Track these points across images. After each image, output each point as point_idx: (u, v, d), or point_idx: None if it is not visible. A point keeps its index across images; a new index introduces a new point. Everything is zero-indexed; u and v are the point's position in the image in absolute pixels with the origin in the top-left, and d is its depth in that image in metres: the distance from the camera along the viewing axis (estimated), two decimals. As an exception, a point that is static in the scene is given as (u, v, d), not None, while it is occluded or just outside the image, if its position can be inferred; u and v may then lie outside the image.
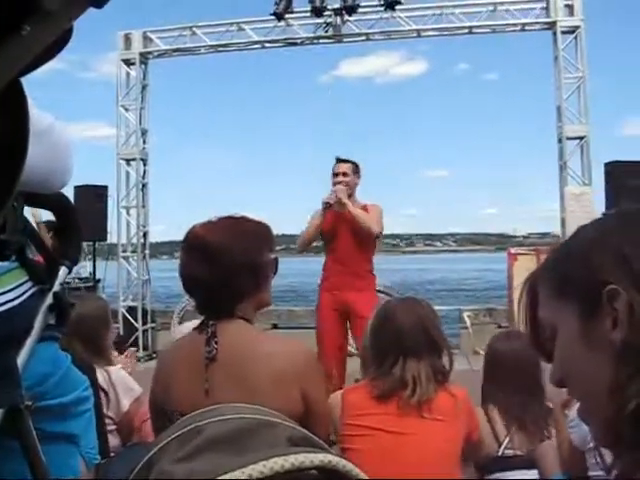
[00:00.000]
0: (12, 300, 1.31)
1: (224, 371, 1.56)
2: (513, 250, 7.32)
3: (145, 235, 8.32)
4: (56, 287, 1.40)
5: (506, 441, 2.22)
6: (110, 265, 8.70)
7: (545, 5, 7.31)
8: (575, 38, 7.19)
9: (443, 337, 2.04)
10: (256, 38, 7.93)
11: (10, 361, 1.24)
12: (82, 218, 1.66)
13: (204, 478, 0.44)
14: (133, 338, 7.69)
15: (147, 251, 8.40)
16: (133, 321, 7.90)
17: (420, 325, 1.97)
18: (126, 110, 8.16)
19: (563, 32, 7.24)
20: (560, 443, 1.98)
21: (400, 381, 1.90)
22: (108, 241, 8.57)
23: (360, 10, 7.35)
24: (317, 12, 7.29)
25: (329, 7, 7.31)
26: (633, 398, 0.59)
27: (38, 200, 1.42)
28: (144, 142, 8.31)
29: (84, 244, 7.02)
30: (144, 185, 8.25)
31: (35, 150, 0.65)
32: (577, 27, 7.18)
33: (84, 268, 8.41)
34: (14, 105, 0.54)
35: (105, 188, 8.13)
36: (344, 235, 4.39)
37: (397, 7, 7.27)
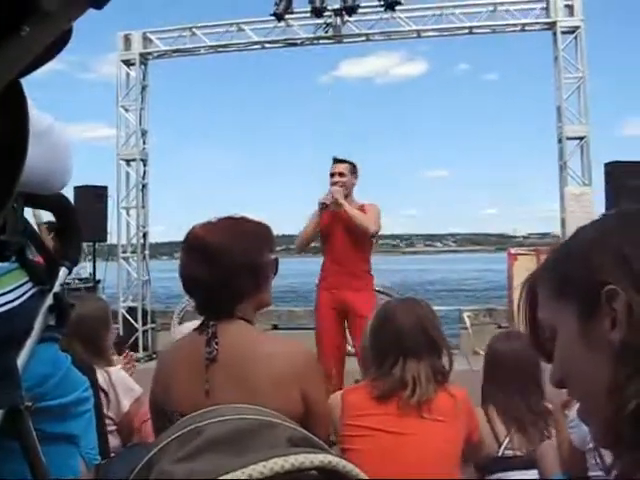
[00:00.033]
0: (12, 301, 1.31)
1: (224, 372, 1.56)
2: (513, 250, 7.32)
3: (145, 236, 8.32)
4: (56, 288, 1.41)
5: (506, 441, 2.22)
6: (110, 266, 8.70)
7: (545, 5, 7.31)
8: (575, 38, 7.19)
9: (443, 337, 2.04)
10: (256, 39, 7.92)
11: (10, 362, 1.24)
12: (82, 219, 1.66)
13: (204, 478, 0.44)
14: (133, 339, 7.69)
15: (147, 252, 8.40)
16: (133, 322, 7.90)
17: (420, 325, 1.97)
18: (126, 111, 8.16)
19: (563, 32, 7.24)
20: (560, 443, 1.98)
21: (400, 381, 1.90)
22: (108, 242, 8.57)
23: (360, 10, 7.35)
24: (317, 12, 7.29)
25: (329, 7, 7.31)
26: (632, 398, 0.59)
27: (38, 201, 1.42)
28: (144, 143, 8.30)
29: (84, 245, 7.02)
30: (144, 186, 8.24)
31: (35, 151, 0.65)
32: (577, 27, 7.18)
33: (84, 269, 8.41)
34: (14, 106, 0.54)
35: (105, 189, 8.13)
36: (341, 235, 4.41)
37: (397, 7, 7.27)
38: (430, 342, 1.97)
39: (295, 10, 7.46)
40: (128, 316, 7.91)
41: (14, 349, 1.27)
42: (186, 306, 7.61)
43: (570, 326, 0.68)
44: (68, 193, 1.62)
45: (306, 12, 7.40)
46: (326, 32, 7.67)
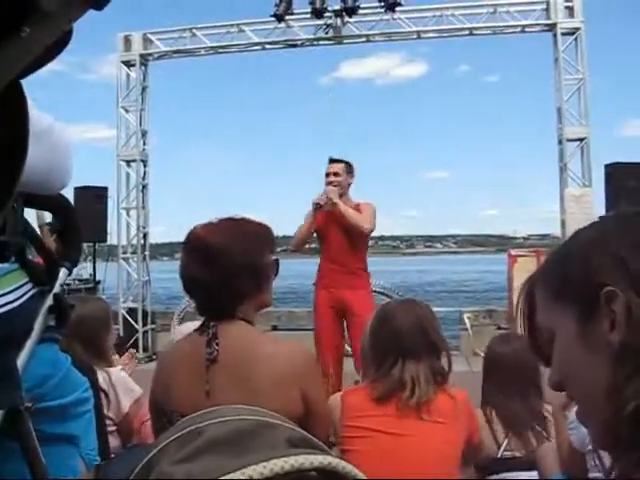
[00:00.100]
0: (12, 302, 1.31)
1: (225, 372, 1.56)
2: (513, 252, 7.32)
3: (145, 236, 8.33)
4: (56, 288, 1.41)
5: (505, 443, 2.22)
6: (110, 266, 8.71)
7: (545, 7, 7.31)
8: (575, 40, 7.20)
9: (442, 339, 2.04)
10: (256, 39, 7.93)
11: (10, 362, 1.24)
12: (82, 219, 1.66)
13: (204, 479, 0.44)
14: (133, 339, 7.69)
15: (147, 252, 8.40)
16: (133, 322, 7.90)
17: (419, 327, 1.97)
18: (126, 111, 8.17)
19: (563, 34, 7.25)
20: (560, 445, 1.98)
21: (399, 382, 1.90)
22: (108, 242, 8.58)
23: (360, 11, 7.36)
24: (317, 13, 7.30)
25: (329, 8, 7.32)
26: (631, 399, 0.59)
27: (38, 201, 1.43)
28: (144, 143, 8.31)
29: (84, 245, 7.02)
30: (144, 186, 8.25)
31: (35, 151, 0.65)
32: (577, 29, 7.19)
33: (84, 269, 8.41)
34: (14, 106, 0.54)
35: (105, 189, 8.14)
36: (336, 234, 4.44)
37: (397, 8, 7.28)
38: (429, 343, 1.97)
39: (295, 11, 7.47)
40: (128, 317, 7.91)
41: (14, 350, 1.27)
42: (186, 307, 7.61)
43: (569, 328, 0.68)
44: (68, 194, 1.62)
45: (306, 13, 7.41)
46: (326, 33, 7.68)
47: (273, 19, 7.46)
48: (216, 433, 0.49)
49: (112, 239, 8.39)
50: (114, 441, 2.39)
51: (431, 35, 7.85)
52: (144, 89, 8.29)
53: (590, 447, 1.75)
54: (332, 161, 4.55)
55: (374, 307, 4.38)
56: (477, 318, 7.78)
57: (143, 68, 8.24)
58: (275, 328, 8.13)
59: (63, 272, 1.45)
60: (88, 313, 2.41)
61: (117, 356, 2.92)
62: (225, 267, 1.58)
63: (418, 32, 7.68)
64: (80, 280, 8.15)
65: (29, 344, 1.29)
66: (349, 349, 4.82)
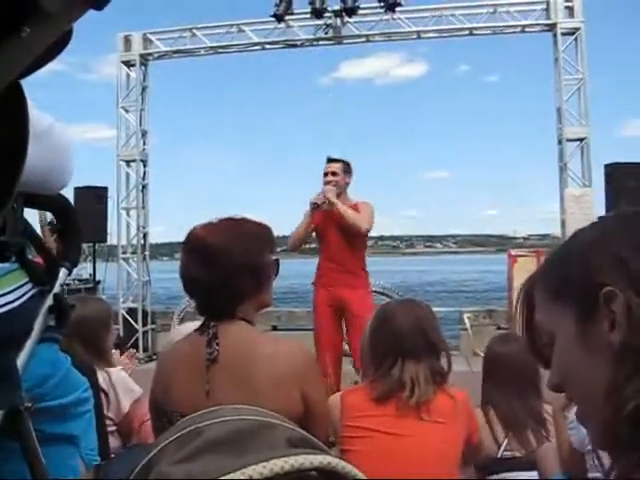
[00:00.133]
0: (12, 302, 1.31)
1: (225, 372, 1.56)
2: (513, 252, 7.33)
3: (145, 236, 8.32)
4: (56, 288, 1.41)
5: (505, 443, 2.22)
6: (110, 266, 8.71)
7: (545, 7, 7.31)
8: (575, 40, 7.20)
9: (441, 339, 2.04)
10: (256, 40, 7.93)
11: (10, 362, 1.24)
12: (82, 219, 1.66)
13: (204, 479, 0.44)
14: (133, 339, 7.69)
15: (147, 252, 8.40)
16: (133, 322, 7.90)
17: (418, 327, 1.97)
18: (126, 111, 8.17)
19: (563, 34, 7.25)
20: (560, 445, 1.98)
21: (398, 383, 1.90)
22: (108, 242, 8.59)
23: (360, 12, 7.36)
24: (317, 14, 7.30)
25: (329, 9, 7.32)
26: (631, 400, 0.59)
27: (38, 201, 1.42)
28: (144, 143, 8.31)
29: (84, 245, 7.03)
30: (144, 186, 8.25)
31: (35, 150, 0.65)
32: (577, 29, 7.19)
33: (84, 269, 8.42)
34: (14, 106, 0.54)
35: (105, 189, 8.14)
36: (334, 234, 4.46)
37: (397, 9, 7.27)
38: (429, 344, 1.96)
39: (295, 11, 7.47)
40: (128, 317, 7.91)
41: (14, 350, 1.27)
42: (186, 307, 7.61)
43: (568, 329, 0.67)
44: (68, 194, 1.62)
45: (306, 13, 7.41)
46: (326, 33, 7.68)
47: (273, 19, 7.46)
48: (216, 433, 0.49)
49: (112, 239, 8.40)
50: (114, 441, 2.39)
51: (431, 35, 7.85)
52: (144, 89, 8.29)
53: (589, 447, 1.75)
54: (330, 161, 4.57)
55: (373, 306, 4.41)
56: (477, 318, 7.78)
57: (143, 68, 8.24)
58: (275, 328, 8.13)
59: (63, 272, 1.45)
60: (88, 313, 2.41)
61: (119, 354, 2.92)
62: (225, 267, 1.58)
63: (418, 32, 7.68)
64: (80, 280, 8.15)
65: (29, 344, 1.29)
66: (347, 348, 4.83)
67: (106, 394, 2.38)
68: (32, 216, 1.41)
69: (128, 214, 8.23)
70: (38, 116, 1.20)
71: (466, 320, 7.54)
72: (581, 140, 7.21)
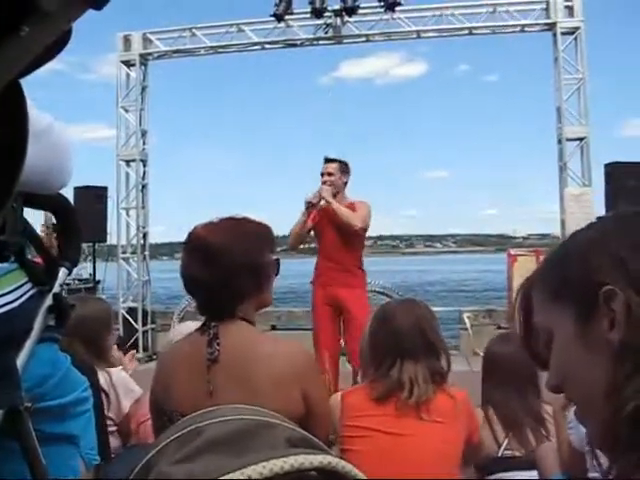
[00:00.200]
0: (12, 302, 1.31)
1: (226, 372, 1.56)
2: (513, 251, 7.34)
3: (145, 236, 8.33)
4: (56, 288, 1.40)
5: (505, 442, 2.22)
6: (110, 266, 8.72)
7: (545, 6, 7.32)
8: (575, 39, 7.20)
9: (441, 339, 2.04)
10: (256, 39, 7.93)
11: (10, 362, 1.24)
12: (82, 219, 1.66)
13: (204, 479, 0.44)
14: (133, 339, 7.69)
15: (147, 252, 8.40)
16: (133, 322, 7.90)
17: (418, 327, 1.97)
18: (126, 111, 8.17)
19: (563, 33, 7.25)
20: (560, 444, 1.98)
21: (397, 383, 1.90)
22: (108, 242, 8.59)
23: (360, 11, 7.36)
24: (317, 13, 7.30)
25: (329, 8, 7.32)
26: (631, 400, 0.59)
27: (38, 201, 1.42)
28: (144, 143, 8.31)
29: (84, 245, 7.03)
30: (144, 186, 8.25)
31: (34, 150, 0.65)
32: (577, 28, 7.19)
33: (84, 269, 8.43)
34: (13, 106, 0.54)
35: (105, 189, 8.15)
36: (331, 233, 4.51)
37: (397, 8, 7.28)
38: (428, 344, 1.97)
39: (295, 11, 7.47)
40: (128, 317, 7.91)
41: (14, 349, 1.26)
42: (186, 306, 7.61)
43: (567, 329, 0.67)
44: (68, 194, 1.62)
45: (306, 13, 7.41)
46: (326, 33, 7.68)
47: (273, 19, 7.46)
48: (216, 433, 0.49)
49: (112, 239, 8.41)
50: (114, 441, 2.39)
51: (431, 35, 7.85)
52: (144, 89, 8.29)
53: (588, 448, 1.75)
54: (327, 161, 4.63)
55: (369, 306, 4.49)
56: (477, 318, 7.78)
57: (143, 68, 8.24)
58: (274, 328, 8.13)
59: (63, 272, 1.44)
60: (89, 313, 2.41)
61: (121, 354, 2.91)
62: (225, 267, 1.58)
63: (418, 32, 7.68)
64: (80, 280, 8.16)
65: (29, 344, 1.29)
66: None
67: (107, 394, 2.38)
68: (37, 215, 1.41)
69: (128, 214, 8.23)
70: (37, 115, 1.20)
71: (466, 320, 7.55)
72: (581, 140, 7.21)
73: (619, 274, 0.62)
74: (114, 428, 2.41)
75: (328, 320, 4.49)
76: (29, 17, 0.44)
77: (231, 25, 7.96)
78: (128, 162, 8.20)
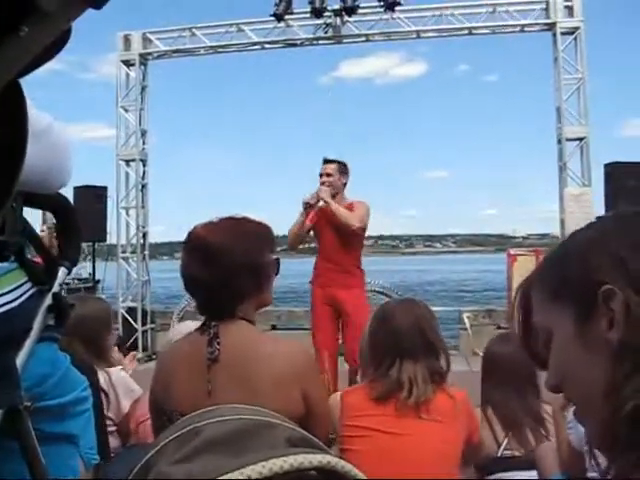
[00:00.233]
0: (11, 302, 1.31)
1: (226, 372, 1.56)
2: (512, 251, 7.34)
3: (145, 236, 8.32)
4: (55, 288, 1.40)
5: (505, 442, 2.22)
6: (110, 266, 8.71)
7: (545, 6, 7.31)
8: (575, 39, 7.20)
9: (440, 339, 2.04)
10: (256, 39, 7.93)
11: (9, 362, 1.24)
12: (81, 219, 1.66)
13: (203, 479, 0.44)
14: (133, 339, 7.69)
15: (147, 252, 8.40)
16: (133, 322, 7.90)
17: (417, 327, 1.97)
18: (126, 111, 8.17)
19: (563, 33, 7.25)
20: (560, 444, 1.98)
21: (397, 383, 1.90)
22: (108, 242, 8.59)
23: (360, 11, 7.36)
24: (317, 13, 7.30)
25: (329, 8, 7.32)
26: (630, 399, 0.59)
27: (37, 201, 1.42)
28: (144, 143, 8.31)
29: (83, 245, 7.02)
30: (144, 186, 8.25)
31: (34, 149, 0.65)
32: (577, 28, 7.19)
33: (84, 269, 8.42)
34: (13, 106, 0.54)
35: (104, 189, 8.14)
36: (329, 233, 4.55)
37: (397, 8, 7.27)
38: (427, 343, 1.97)
39: (295, 10, 7.47)
40: (128, 316, 7.91)
41: (13, 349, 1.26)
42: (186, 306, 7.61)
43: (567, 329, 0.67)
44: (68, 193, 1.62)
45: (306, 12, 7.41)
46: (326, 32, 7.68)
47: (272, 19, 7.46)
48: (214, 433, 0.49)
49: (111, 238, 8.40)
50: (114, 441, 2.39)
51: (430, 35, 7.85)
52: (143, 88, 8.29)
53: (586, 448, 1.75)
54: (325, 162, 4.66)
55: (367, 306, 4.52)
56: (476, 318, 7.78)
57: (142, 67, 8.24)
58: (274, 327, 8.13)
59: (62, 271, 1.44)
60: (89, 313, 2.41)
61: (122, 356, 2.92)
62: (226, 266, 1.58)
63: (417, 32, 7.68)
64: (79, 279, 8.15)
65: (28, 343, 1.29)
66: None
67: (106, 394, 2.38)
68: (30, 215, 1.41)
69: (127, 213, 8.23)
70: (37, 115, 1.20)
71: (465, 320, 7.55)
72: (580, 139, 7.21)
73: (618, 274, 0.62)
74: (113, 428, 2.41)
75: (327, 320, 4.52)
76: (29, 17, 0.44)
77: (231, 25, 7.96)
78: (128, 162, 8.19)
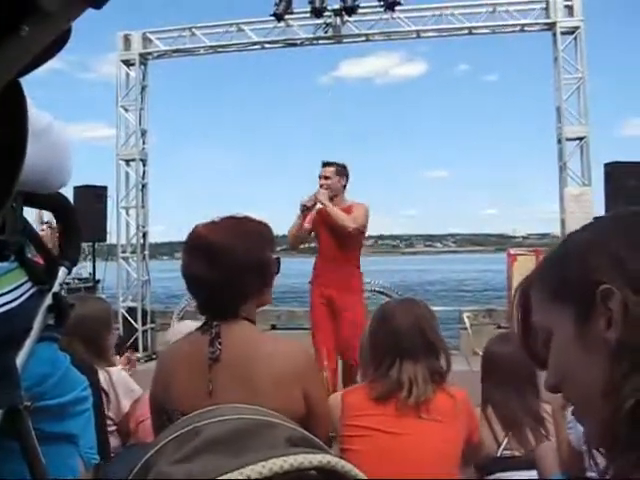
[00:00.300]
0: (11, 301, 1.31)
1: (227, 372, 1.56)
2: (513, 251, 7.34)
3: (145, 235, 8.32)
4: (55, 288, 1.40)
5: (504, 442, 2.22)
6: (110, 266, 8.71)
7: (545, 6, 7.31)
8: (575, 39, 7.20)
9: (440, 339, 2.04)
10: (256, 39, 7.93)
11: (9, 362, 1.24)
12: (82, 219, 1.66)
13: (203, 479, 0.44)
14: (133, 339, 7.69)
15: (147, 252, 8.40)
16: (133, 322, 7.90)
17: (417, 327, 1.97)
18: (126, 111, 8.17)
19: (563, 33, 7.24)
20: (560, 444, 1.98)
21: (397, 383, 1.90)
22: (108, 242, 8.59)
23: (360, 11, 7.36)
24: (317, 13, 7.30)
25: (329, 8, 7.31)
26: (629, 398, 0.59)
27: (37, 200, 1.42)
28: (144, 142, 8.30)
29: (84, 245, 7.02)
30: (144, 185, 8.25)
31: (34, 149, 0.65)
32: (577, 28, 7.18)
33: (84, 269, 8.42)
34: (13, 105, 0.54)
35: (105, 189, 8.14)
36: (327, 235, 4.62)
37: (397, 8, 7.27)
38: (427, 344, 1.97)
39: (295, 10, 7.46)
40: (128, 316, 7.91)
41: (13, 349, 1.26)
42: (186, 306, 7.62)
43: (566, 329, 0.67)
44: (68, 193, 1.62)
45: (306, 12, 7.41)
46: (326, 32, 7.68)
47: (272, 18, 7.45)
48: (214, 432, 0.48)
49: (112, 238, 8.40)
50: (114, 441, 2.39)
51: (430, 34, 7.84)
52: (143, 88, 8.28)
53: (585, 448, 1.75)
54: (324, 165, 4.73)
55: (364, 306, 4.58)
56: (477, 317, 7.78)
57: (142, 67, 8.23)
58: (274, 327, 8.13)
59: (62, 271, 1.44)
60: (89, 312, 2.41)
61: (117, 357, 2.92)
62: (229, 266, 1.57)
63: (417, 31, 7.67)
64: (80, 279, 8.16)
65: (28, 343, 1.29)
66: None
67: (106, 394, 2.38)
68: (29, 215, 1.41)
69: (128, 213, 8.22)
70: (37, 115, 1.20)
71: (466, 319, 7.55)
72: (581, 139, 7.21)
73: (617, 273, 0.62)
74: (114, 427, 2.41)
75: (326, 319, 4.58)
76: (29, 17, 0.44)
77: (231, 25, 7.95)
78: (128, 161, 8.19)
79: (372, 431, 1.87)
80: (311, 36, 7.81)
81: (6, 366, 1.23)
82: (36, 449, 1.23)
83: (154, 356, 7.23)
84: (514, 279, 6.79)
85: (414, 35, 7.76)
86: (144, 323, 7.99)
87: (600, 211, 6.47)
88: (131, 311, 7.96)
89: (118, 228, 8.24)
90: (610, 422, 0.61)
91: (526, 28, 7.59)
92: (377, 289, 8.45)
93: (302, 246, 4.97)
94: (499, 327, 6.94)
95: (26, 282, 1.37)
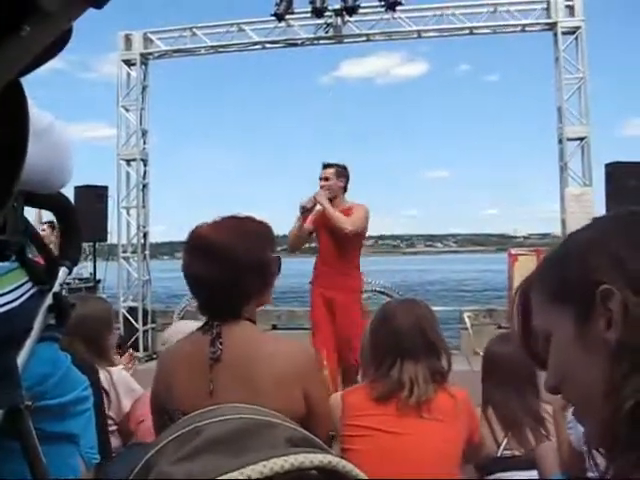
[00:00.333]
0: (12, 301, 1.31)
1: (229, 372, 1.56)
2: (513, 251, 7.33)
3: (145, 235, 8.32)
4: (56, 287, 1.40)
5: (505, 442, 2.22)
6: (110, 265, 8.72)
7: (546, 6, 7.31)
8: (576, 39, 7.20)
9: (441, 339, 2.04)
10: (256, 39, 7.93)
11: (10, 362, 1.24)
12: (82, 218, 1.66)
13: (203, 479, 0.44)
14: (133, 339, 7.69)
15: (147, 251, 8.40)
16: (133, 322, 7.90)
17: (418, 327, 1.97)
18: (126, 110, 8.17)
19: (564, 33, 7.24)
20: (560, 444, 1.98)
21: (398, 383, 1.90)
22: (108, 241, 8.59)
23: (361, 11, 7.36)
24: (318, 13, 7.30)
25: (330, 8, 7.32)
26: (629, 398, 0.59)
27: (38, 200, 1.42)
28: (144, 142, 8.31)
29: (84, 244, 7.02)
30: (144, 185, 8.25)
31: (35, 149, 0.65)
32: (578, 28, 7.18)
33: (85, 268, 8.42)
34: (14, 105, 0.54)
35: (105, 188, 8.15)
36: (326, 236, 4.64)
37: (398, 8, 7.27)
38: (428, 343, 1.97)
39: (296, 10, 7.47)
40: (129, 316, 7.92)
41: (14, 349, 1.26)
42: (186, 306, 7.62)
43: (566, 329, 0.67)
44: (68, 193, 1.62)
45: (307, 12, 7.41)
46: (327, 32, 7.68)
47: (273, 18, 7.46)
48: (215, 432, 0.48)
49: (112, 238, 8.41)
50: (115, 441, 2.40)
51: (431, 34, 7.85)
52: (144, 88, 8.29)
53: (585, 448, 1.75)
54: (324, 166, 4.74)
55: (363, 307, 4.63)
56: (477, 317, 7.78)
57: (143, 67, 8.24)
58: (274, 327, 8.13)
59: (63, 271, 1.44)
60: (90, 312, 2.41)
61: (118, 357, 2.92)
62: (229, 266, 1.57)
63: (418, 31, 7.68)
64: (80, 279, 8.16)
65: (29, 343, 1.29)
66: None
67: (107, 393, 2.38)
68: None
69: (128, 213, 8.23)
70: (38, 114, 1.20)
71: (466, 319, 7.55)
72: (581, 139, 7.21)
73: (617, 274, 0.62)
74: (114, 427, 2.41)
75: (326, 320, 4.59)
76: (30, 17, 0.44)
77: (232, 25, 7.95)
78: (129, 161, 8.20)
79: (373, 431, 1.87)
80: (312, 36, 7.81)
81: (7, 366, 1.23)
82: (37, 449, 1.23)
83: (155, 356, 7.23)
84: (515, 279, 6.79)
85: (415, 35, 7.76)
86: (145, 323, 8.00)
87: (601, 211, 6.45)
88: (132, 311, 7.97)
89: (119, 228, 8.26)
90: (610, 422, 0.61)
91: (527, 28, 7.59)
92: (378, 289, 8.45)
93: (302, 246, 4.97)
94: (500, 327, 6.93)
95: (27, 282, 1.37)
